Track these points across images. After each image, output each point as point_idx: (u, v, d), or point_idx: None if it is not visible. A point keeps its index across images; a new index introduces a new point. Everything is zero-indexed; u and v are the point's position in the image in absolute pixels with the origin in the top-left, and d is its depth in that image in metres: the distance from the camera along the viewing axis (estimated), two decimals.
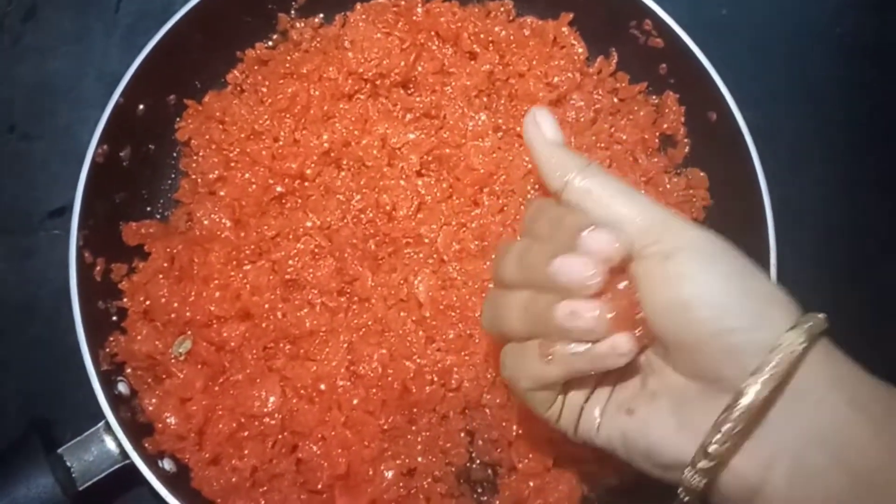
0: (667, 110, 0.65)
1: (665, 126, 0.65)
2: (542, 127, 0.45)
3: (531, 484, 0.57)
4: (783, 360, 0.36)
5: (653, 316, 0.39)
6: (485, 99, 0.65)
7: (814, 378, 0.37)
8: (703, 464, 0.37)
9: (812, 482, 0.36)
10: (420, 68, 0.64)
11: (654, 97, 0.66)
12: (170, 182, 0.64)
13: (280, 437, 0.56)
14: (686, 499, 0.39)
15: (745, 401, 0.36)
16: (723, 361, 0.37)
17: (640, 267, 0.39)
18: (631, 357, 0.38)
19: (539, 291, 0.40)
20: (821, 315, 0.38)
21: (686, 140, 0.65)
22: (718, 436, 0.36)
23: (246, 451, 0.55)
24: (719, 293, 0.38)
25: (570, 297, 0.38)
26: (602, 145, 0.64)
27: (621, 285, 0.39)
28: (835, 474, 0.35)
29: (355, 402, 0.56)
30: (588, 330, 0.38)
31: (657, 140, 0.65)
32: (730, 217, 0.62)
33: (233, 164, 0.62)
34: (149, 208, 0.63)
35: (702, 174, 0.64)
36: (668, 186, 0.64)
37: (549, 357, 0.40)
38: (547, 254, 0.39)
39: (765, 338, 0.36)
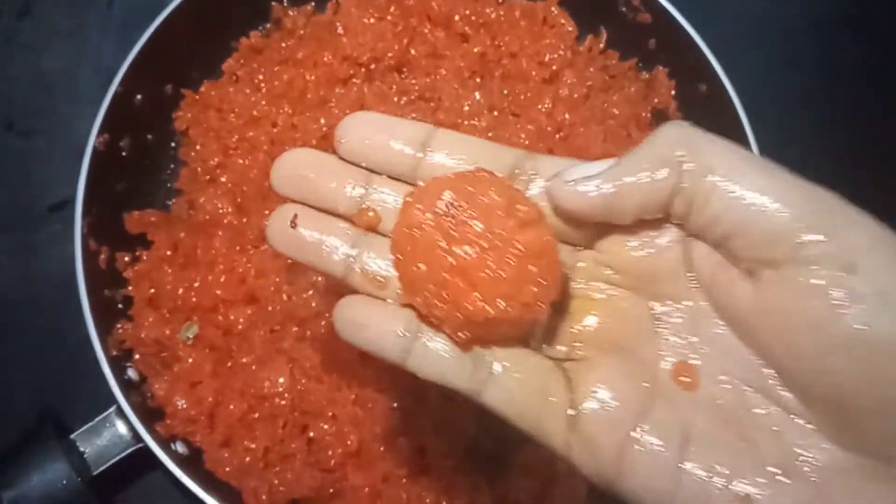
0: (657, 85, 0.66)
1: (656, 100, 0.66)
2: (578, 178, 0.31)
3: (541, 455, 0.58)
4: None
5: (801, 352, 0.27)
6: (478, 80, 0.66)
7: None
8: None
9: None
10: (413, 52, 0.65)
11: (644, 73, 0.67)
12: (169, 172, 0.65)
13: (291, 417, 0.56)
14: None
15: None
16: None
17: (788, 278, 0.27)
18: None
19: None
20: None
21: (678, 113, 0.66)
22: None
23: (257, 432, 0.56)
24: None
25: None
26: (596, 121, 0.65)
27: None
28: None
29: (364, 380, 0.57)
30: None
31: (649, 114, 0.67)
32: None
33: (232, 151, 0.63)
34: (150, 198, 0.64)
35: None
36: None
37: None
38: None
39: None
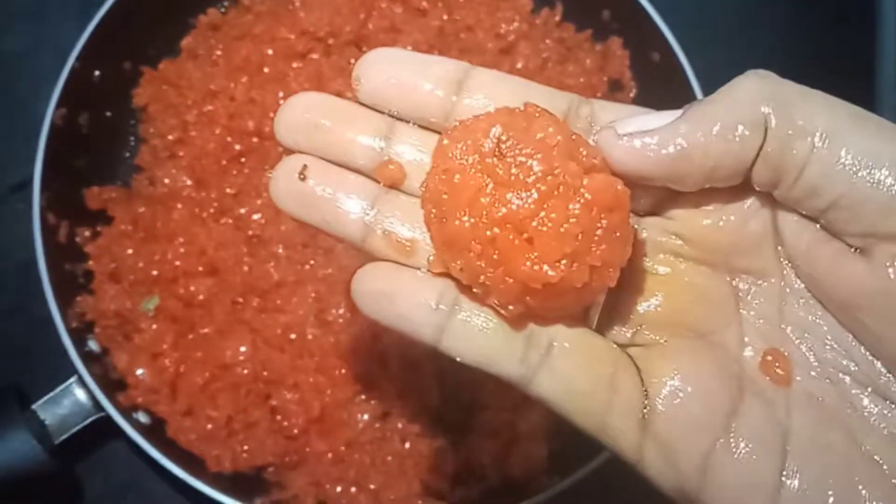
0: (611, 55, 0.67)
1: (611, 71, 0.67)
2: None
3: (503, 418, 0.59)
4: None
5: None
6: (436, 53, 0.67)
7: None
8: None
9: None
10: (370, 26, 0.66)
11: (599, 44, 0.68)
12: (129, 149, 0.65)
13: (253, 386, 0.57)
14: None
15: None
16: None
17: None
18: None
19: None
20: None
21: (632, 83, 0.67)
22: None
23: (220, 401, 0.56)
24: None
25: None
26: None
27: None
28: None
29: (326, 347, 0.58)
30: None
31: (605, 84, 0.68)
32: None
33: (191, 126, 0.63)
34: (111, 174, 0.64)
35: None
36: None
37: None
38: None
39: None
